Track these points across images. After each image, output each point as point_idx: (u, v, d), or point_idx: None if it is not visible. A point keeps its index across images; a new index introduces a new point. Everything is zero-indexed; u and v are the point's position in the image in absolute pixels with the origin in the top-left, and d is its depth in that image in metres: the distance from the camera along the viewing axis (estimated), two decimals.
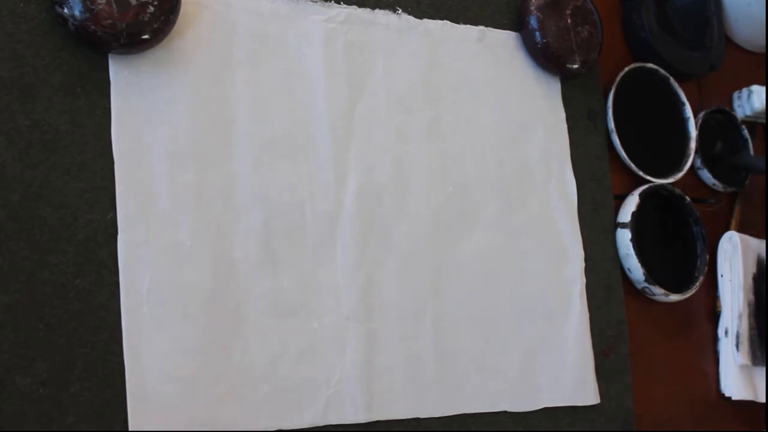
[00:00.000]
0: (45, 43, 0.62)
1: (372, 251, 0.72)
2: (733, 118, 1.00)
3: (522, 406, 0.76)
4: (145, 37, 0.62)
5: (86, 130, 0.62)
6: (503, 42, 0.83)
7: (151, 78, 0.65)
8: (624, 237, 0.85)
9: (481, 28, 0.82)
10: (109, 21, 0.60)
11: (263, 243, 0.67)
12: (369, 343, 0.70)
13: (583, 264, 0.82)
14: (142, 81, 0.64)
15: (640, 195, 0.86)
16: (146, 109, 0.64)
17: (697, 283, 0.89)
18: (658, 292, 0.85)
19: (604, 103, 0.89)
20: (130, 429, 0.59)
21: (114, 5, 0.60)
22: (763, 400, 0.93)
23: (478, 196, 0.78)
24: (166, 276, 0.63)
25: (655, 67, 0.92)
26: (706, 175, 0.96)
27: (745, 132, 1.01)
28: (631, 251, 0.84)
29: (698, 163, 0.95)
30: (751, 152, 1.00)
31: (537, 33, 0.82)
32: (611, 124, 0.87)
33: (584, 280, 0.82)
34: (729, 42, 1.04)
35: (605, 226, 0.86)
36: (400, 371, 0.71)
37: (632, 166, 0.88)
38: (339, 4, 0.74)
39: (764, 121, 1.04)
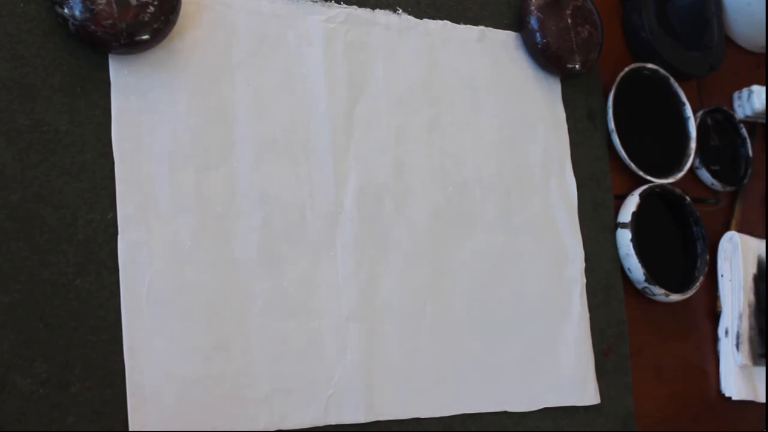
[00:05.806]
0: (45, 43, 0.62)
1: (372, 251, 0.72)
2: (732, 117, 1.00)
3: (522, 406, 0.76)
4: (145, 37, 0.62)
5: (86, 130, 0.62)
6: (503, 42, 0.83)
7: (151, 78, 0.65)
8: (624, 237, 0.85)
9: (481, 28, 0.82)
10: (109, 21, 0.60)
11: (263, 243, 0.67)
12: (369, 343, 0.70)
13: (583, 264, 0.82)
14: (142, 81, 0.64)
15: (640, 195, 0.86)
16: (146, 109, 0.64)
17: (697, 283, 0.89)
18: (658, 292, 0.85)
19: (604, 103, 0.89)
20: (130, 429, 0.59)
21: (114, 5, 0.60)
22: (763, 400, 0.93)
23: (478, 196, 0.78)
24: (166, 276, 0.63)
25: (655, 67, 0.92)
26: (705, 175, 0.96)
27: (744, 131, 1.01)
28: (631, 251, 0.84)
29: (698, 163, 0.95)
30: (750, 153, 1.01)
31: (537, 33, 0.82)
32: (611, 124, 0.87)
33: (584, 280, 0.82)
34: (729, 42, 1.04)
35: (605, 226, 0.86)
36: (400, 371, 0.71)
37: (632, 166, 0.88)
38: (339, 4, 0.74)
39: (764, 120, 1.05)
